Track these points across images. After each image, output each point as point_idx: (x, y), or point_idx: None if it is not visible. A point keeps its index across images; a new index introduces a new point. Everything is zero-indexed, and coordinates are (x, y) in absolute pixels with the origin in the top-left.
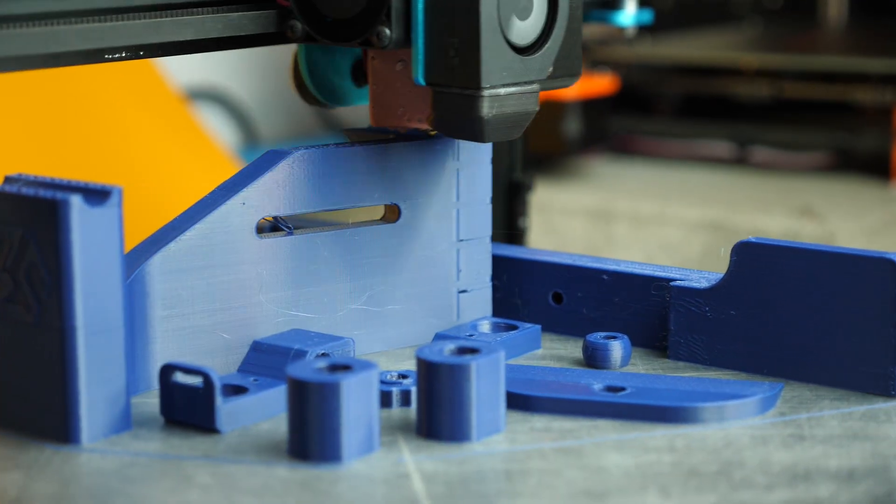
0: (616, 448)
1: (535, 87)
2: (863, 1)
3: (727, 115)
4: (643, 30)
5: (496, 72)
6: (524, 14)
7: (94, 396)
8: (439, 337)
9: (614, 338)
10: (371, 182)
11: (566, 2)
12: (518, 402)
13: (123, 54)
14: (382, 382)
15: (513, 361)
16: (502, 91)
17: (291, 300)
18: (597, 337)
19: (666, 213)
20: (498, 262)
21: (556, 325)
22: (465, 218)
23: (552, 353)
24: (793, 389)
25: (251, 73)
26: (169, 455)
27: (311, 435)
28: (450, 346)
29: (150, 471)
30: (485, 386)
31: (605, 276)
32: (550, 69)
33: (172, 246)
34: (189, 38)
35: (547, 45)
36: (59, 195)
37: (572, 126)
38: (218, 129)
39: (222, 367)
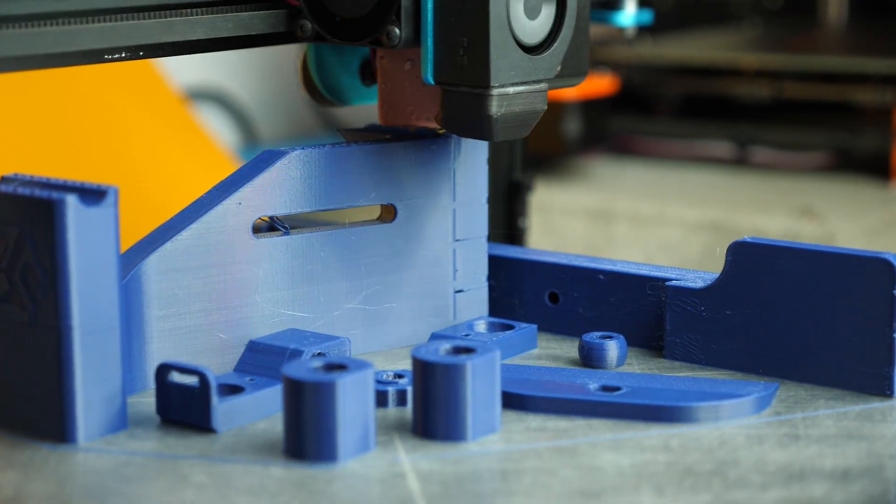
0: (611, 447)
1: (543, 86)
2: (863, 1)
3: (727, 115)
4: (643, 30)
5: (505, 71)
6: (533, 13)
7: (91, 396)
8: (436, 336)
9: (610, 337)
10: (367, 182)
11: (574, 1)
12: (513, 401)
13: (123, 55)
14: (378, 382)
15: (509, 361)
16: (511, 90)
17: (287, 300)
18: (593, 337)
19: (666, 214)
20: (494, 261)
21: (553, 324)
22: (462, 218)
23: (548, 353)
24: (788, 389)
25: (251, 73)
26: (165, 454)
27: (306, 434)
28: (445, 346)
29: (147, 470)
30: (480, 385)
31: (601, 276)
32: (559, 68)
33: (168, 246)
34: (200, 37)
35: (555, 45)
36: (54, 195)
37: (572, 126)
38: (218, 129)
39: (218, 366)
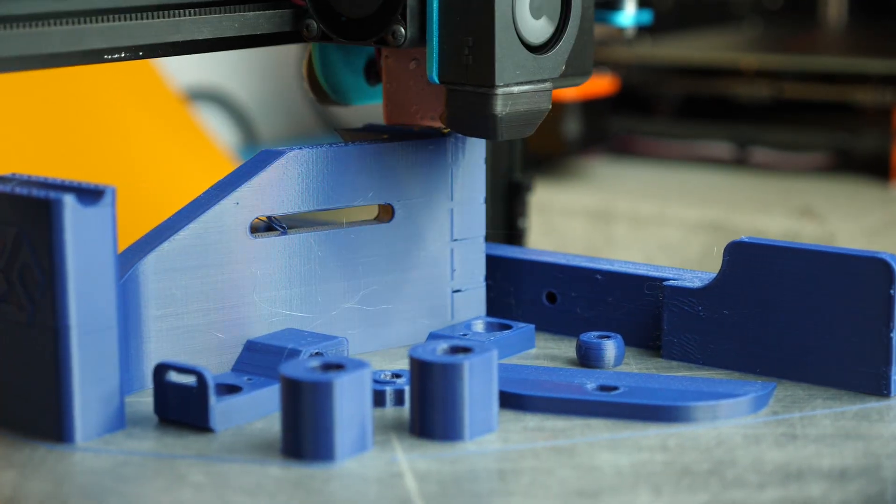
0: (609, 447)
1: (547, 85)
2: (863, 1)
3: (727, 115)
4: (643, 30)
5: (510, 70)
6: (538, 13)
7: (88, 396)
8: (433, 336)
9: (608, 337)
10: (365, 182)
11: (579, 1)
12: (511, 401)
13: (122, 54)
14: (376, 381)
15: (506, 361)
16: (516, 89)
17: (285, 300)
18: (590, 336)
19: (666, 214)
20: (492, 261)
21: (550, 324)
22: (460, 217)
23: (546, 353)
24: (785, 389)
25: (251, 73)
26: (162, 454)
27: (304, 434)
28: (443, 346)
29: (144, 470)
30: (478, 385)
31: (598, 276)
32: (563, 68)
33: (166, 245)
34: (206, 36)
35: (560, 44)
36: (52, 195)
37: (572, 126)
38: (218, 130)
39: (216, 366)
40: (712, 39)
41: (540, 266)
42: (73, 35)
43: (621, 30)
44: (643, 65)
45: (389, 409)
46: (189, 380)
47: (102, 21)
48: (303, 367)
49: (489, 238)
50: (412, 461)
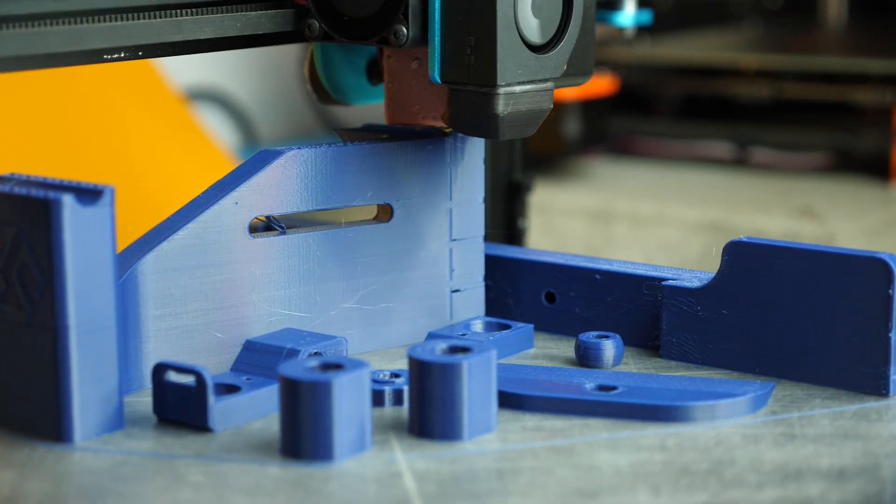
0: (608, 447)
1: (549, 84)
2: (863, 1)
3: (727, 115)
4: (643, 30)
5: (511, 70)
6: (539, 13)
7: (87, 395)
8: (432, 336)
9: (606, 337)
10: (364, 181)
11: (580, 1)
12: (510, 400)
13: (122, 54)
14: (375, 381)
15: (505, 361)
16: (517, 89)
17: (284, 299)
18: (589, 336)
19: (665, 214)
20: (491, 261)
21: (549, 324)
22: (458, 217)
23: (545, 353)
24: (784, 388)
25: (251, 73)
26: (161, 454)
27: (303, 434)
28: (442, 346)
29: (143, 469)
30: (476, 385)
31: (597, 276)
32: (564, 67)
33: (165, 245)
34: (208, 36)
35: (562, 44)
36: (51, 194)
37: (572, 126)
38: (218, 130)
39: (215, 366)
40: (712, 39)
41: (539, 266)
42: (72, 35)
43: (621, 30)
44: (643, 65)
45: (388, 409)
46: (188, 380)
47: (102, 21)
48: (302, 366)
49: (489, 238)
50: (411, 461)
